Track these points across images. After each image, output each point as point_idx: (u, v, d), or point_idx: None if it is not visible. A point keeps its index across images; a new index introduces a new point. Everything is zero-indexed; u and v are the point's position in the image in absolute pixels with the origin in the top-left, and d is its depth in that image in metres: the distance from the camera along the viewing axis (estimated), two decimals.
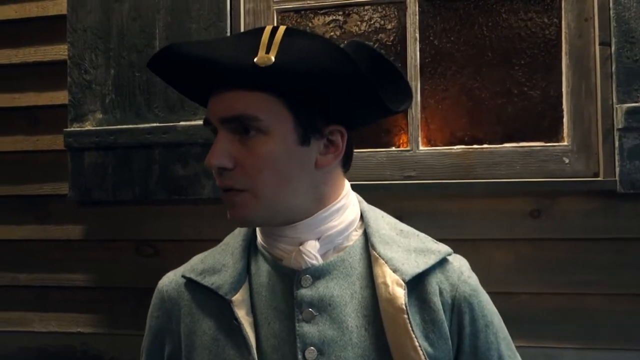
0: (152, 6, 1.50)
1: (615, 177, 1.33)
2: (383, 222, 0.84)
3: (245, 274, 0.81)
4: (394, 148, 1.48)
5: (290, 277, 0.79)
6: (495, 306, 0.84)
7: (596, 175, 1.37)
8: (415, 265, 0.78)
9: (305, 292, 0.78)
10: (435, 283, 0.79)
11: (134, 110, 1.50)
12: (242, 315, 0.78)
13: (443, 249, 0.82)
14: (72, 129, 1.52)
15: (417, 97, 1.45)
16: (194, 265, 0.85)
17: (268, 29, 0.75)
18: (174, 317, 0.83)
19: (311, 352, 0.76)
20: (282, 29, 0.75)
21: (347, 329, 0.77)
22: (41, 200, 1.64)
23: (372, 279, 0.79)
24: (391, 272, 0.77)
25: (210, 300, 0.81)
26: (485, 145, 1.43)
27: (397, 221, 0.86)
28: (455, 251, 0.85)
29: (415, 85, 1.44)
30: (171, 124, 1.47)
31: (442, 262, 0.81)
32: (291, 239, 0.79)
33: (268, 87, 0.74)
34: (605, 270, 1.35)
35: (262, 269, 0.82)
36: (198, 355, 0.79)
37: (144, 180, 1.48)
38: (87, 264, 1.60)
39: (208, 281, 0.81)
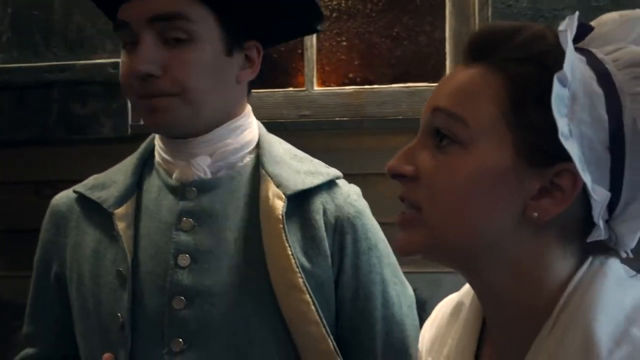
0: None
1: None
2: (279, 147, 0.86)
3: (134, 190, 0.83)
4: (290, 88, 1.54)
5: (178, 190, 0.81)
6: (385, 235, 0.85)
7: None
8: (300, 183, 0.80)
9: (187, 204, 0.80)
10: (319, 202, 0.81)
11: (32, 50, 1.50)
12: (123, 227, 0.80)
13: (333, 172, 0.85)
14: None
15: (313, 40, 1.52)
16: (87, 181, 0.88)
17: None
18: (61, 230, 0.85)
19: (184, 258, 0.78)
20: None
21: (225, 240, 0.79)
22: None
23: (258, 196, 0.81)
24: (274, 186, 0.80)
25: (96, 214, 0.83)
26: (375, 86, 1.51)
27: (294, 148, 0.89)
28: None
29: None
30: (70, 62, 1.48)
31: (331, 185, 0.83)
32: (186, 154, 0.81)
33: None
34: None
35: (154, 186, 0.84)
36: (80, 267, 0.82)
37: (43, 119, 1.48)
38: None
39: (95, 195, 0.83)
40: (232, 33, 0.80)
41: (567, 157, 0.49)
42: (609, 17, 0.55)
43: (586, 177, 0.49)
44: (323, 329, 0.76)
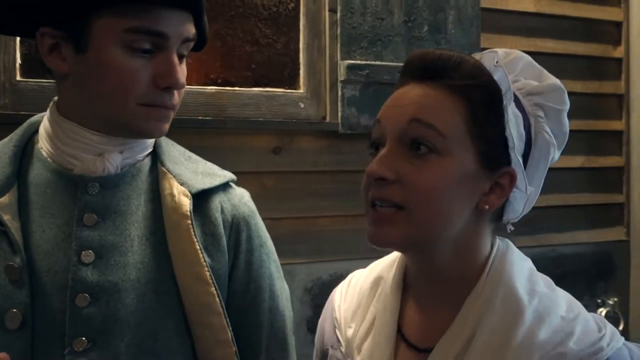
0: None
1: (338, 120, 1.63)
2: (172, 147, 0.90)
3: (14, 179, 0.79)
4: None
5: (76, 184, 0.79)
6: None
7: (324, 118, 1.66)
8: (201, 183, 0.84)
9: (91, 199, 0.79)
10: (218, 201, 0.85)
11: None
12: (8, 219, 0.75)
13: (228, 174, 0.90)
14: None
15: None
16: None
17: None
18: None
19: (88, 255, 0.76)
20: None
21: (129, 237, 0.79)
22: None
23: (158, 193, 0.83)
24: (178, 184, 0.82)
25: None
26: (236, 88, 1.59)
27: (186, 150, 0.92)
28: None
29: None
30: None
31: (226, 186, 0.88)
32: (94, 148, 0.80)
33: None
34: (330, 197, 1.65)
35: (39, 176, 0.80)
36: None
37: None
38: None
39: None
40: None
41: (507, 163, 0.66)
42: (497, 54, 0.70)
43: (523, 178, 0.67)
44: (224, 319, 0.81)
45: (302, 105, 1.64)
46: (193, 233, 0.80)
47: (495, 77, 0.66)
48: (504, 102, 0.66)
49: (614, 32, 2.08)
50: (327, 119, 1.65)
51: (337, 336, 0.79)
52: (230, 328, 0.82)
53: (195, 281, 0.80)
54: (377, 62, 1.65)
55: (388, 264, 0.78)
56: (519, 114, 0.67)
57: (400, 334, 0.72)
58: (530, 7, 1.93)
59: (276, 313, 0.89)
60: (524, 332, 0.63)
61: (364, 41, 1.66)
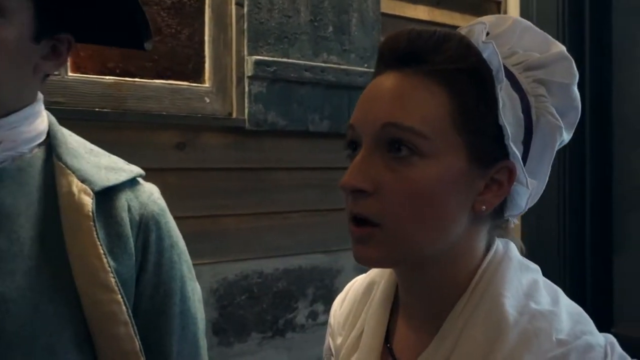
0: None
1: (244, 116, 1.60)
2: (71, 139, 0.82)
3: None
4: None
5: None
6: None
7: (230, 114, 1.62)
8: (105, 179, 0.78)
9: None
10: (124, 199, 0.79)
11: None
12: None
13: (135, 169, 0.84)
14: None
15: None
16: None
17: None
18: None
19: None
20: None
21: (19, 240, 0.72)
22: None
23: (54, 190, 0.76)
24: (79, 181, 0.76)
25: None
26: (137, 79, 1.49)
27: (87, 142, 0.85)
28: None
29: None
30: None
31: (133, 182, 0.83)
32: None
33: None
34: (236, 195, 1.62)
35: None
36: None
37: None
38: None
39: None
40: (45, 19, 0.75)
41: (503, 156, 0.56)
42: (488, 21, 0.58)
43: (523, 172, 0.57)
44: (132, 328, 0.76)
45: (208, 100, 1.59)
46: (96, 236, 0.74)
47: (485, 55, 0.56)
48: (496, 85, 0.55)
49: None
50: (234, 115, 1.61)
51: (329, 344, 0.75)
52: (138, 337, 0.76)
53: (98, 288, 0.74)
54: (284, 59, 1.65)
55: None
56: (515, 96, 0.57)
57: (388, 348, 0.64)
58: (424, 16, 2.05)
59: (188, 316, 0.85)
60: (504, 355, 0.53)
61: (271, 37, 1.64)
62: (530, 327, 0.54)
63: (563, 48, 0.60)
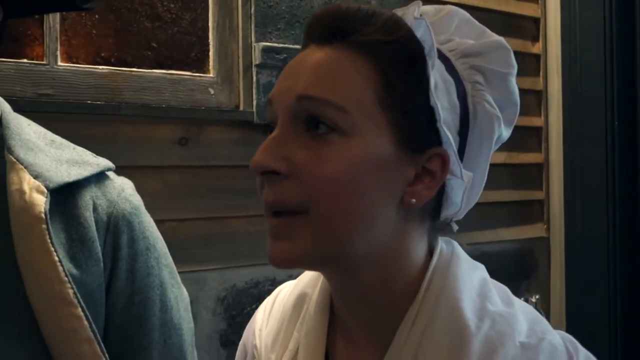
0: None
1: (252, 109, 1.48)
2: (29, 129, 0.72)
3: None
4: (25, 60, 1.29)
5: None
6: None
7: (237, 107, 1.50)
8: (65, 175, 0.68)
9: None
10: (89, 197, 0.70)
11: None
12: None
13: (103, 162, 0.74)
14: None
15: None
16: None
17: None
18: None
19: None
20: None
21: None
22: None
23: (4, 188, 0.66)
24: (31, 178, 0.66)
25: None
26: (134, 69, 1.39)
27: (48, 132, 0.74)
28: None
29: None
30: None
31: (101, 177, 0.73)
32: None
33: None
34: (244, 194, 1.49)
35: None
36: None
37: None
38: None
39: None
40: None
41: (436, 142, 0.51)
42: (425, 11, 0.56)
43: (458, 161, 0.52)
44: (97, 346, 0.66)
45: (212, 92, 1.47)
46: (49, 240, 0.64)
47: (417, 33, 0.51)
48: (428, 63, 0.51)
49: (532, 28, 2.09)
50: (241, 108, 1.49)
51: None
52: (106, 356, 0.66)
53: (55, 302, 0.64)
54: (296, 46, 1.52)
55: (314, 276, 0.62)
56: (450, 80, 0.53)
57: None
58: None
59: (170, 327, 0.74)
60: None
61: (281, 22, 1.52)
62: (493, 333, 0.51)
63: (500, 38, 0.57)
